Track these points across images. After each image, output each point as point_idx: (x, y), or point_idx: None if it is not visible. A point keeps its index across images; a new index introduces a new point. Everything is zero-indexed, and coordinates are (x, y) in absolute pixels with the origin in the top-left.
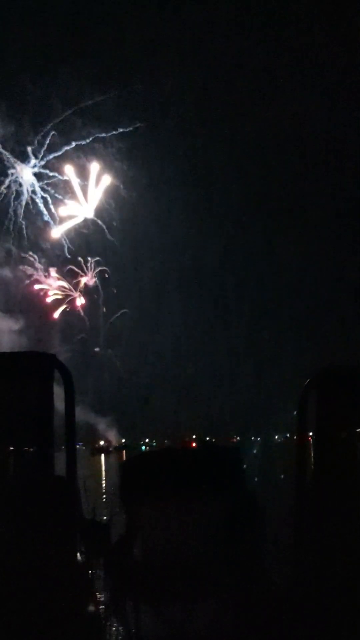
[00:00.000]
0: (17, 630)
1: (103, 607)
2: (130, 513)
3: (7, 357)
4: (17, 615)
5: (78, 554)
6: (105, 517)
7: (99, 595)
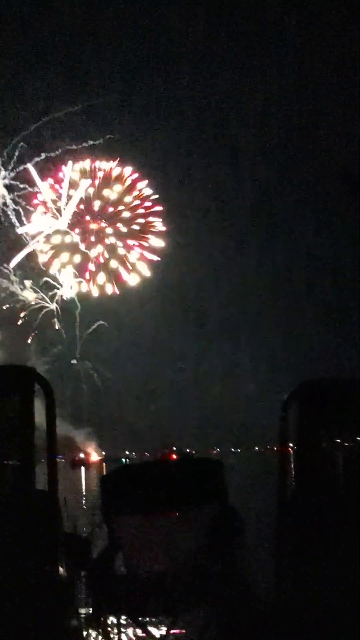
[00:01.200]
0: None
1: (84, 621)
2: (111, 527)
3: None
4: None
5: (59, 569)
6: (85, 531)
7: (80, 610)
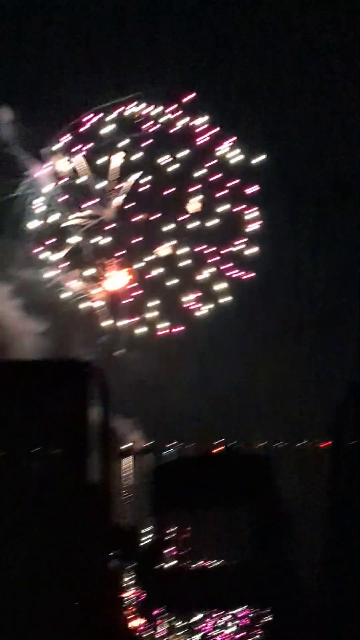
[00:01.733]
0: (46, 631)
1: (133, 611)
2: (159, 520)
3: (46, 364)
4: (46, 617)
5: (108, 559)
6: (134, 523)
7: (128, 601)
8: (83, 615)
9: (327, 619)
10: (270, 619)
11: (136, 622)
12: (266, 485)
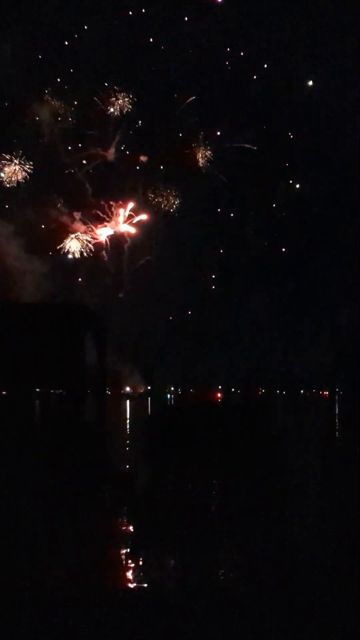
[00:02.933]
0: (41, 570)
1: (127, 552)
2: (154, 464)
3: (47, 307)
4: (42, 555)
5: (104, 500)
6: (129, 466)
7: (122, 543)
8: (77, 547)
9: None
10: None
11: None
12: (264, 425)
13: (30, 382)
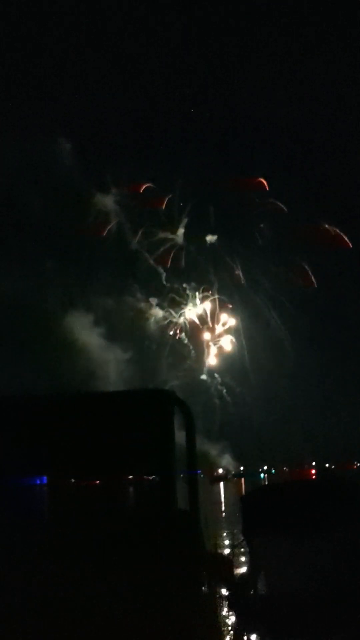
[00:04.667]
0: None
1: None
2: (252, 546)
3: (132, 394)
4: None
5: (203, 587)
6: (227, 550)
7: (224, 629)
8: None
9: None
10: None
11: None
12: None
13: (122, 469)
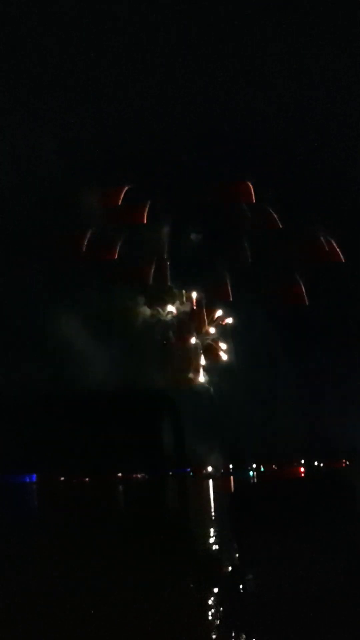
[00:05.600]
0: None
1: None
2: (241, 544)
3: (121, 394)
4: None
5: (190, 584)
6: (216, 547)
7: (211, 626)
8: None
9: None
10: None
11: None
12: (352, 502)
13: (112, 467)
